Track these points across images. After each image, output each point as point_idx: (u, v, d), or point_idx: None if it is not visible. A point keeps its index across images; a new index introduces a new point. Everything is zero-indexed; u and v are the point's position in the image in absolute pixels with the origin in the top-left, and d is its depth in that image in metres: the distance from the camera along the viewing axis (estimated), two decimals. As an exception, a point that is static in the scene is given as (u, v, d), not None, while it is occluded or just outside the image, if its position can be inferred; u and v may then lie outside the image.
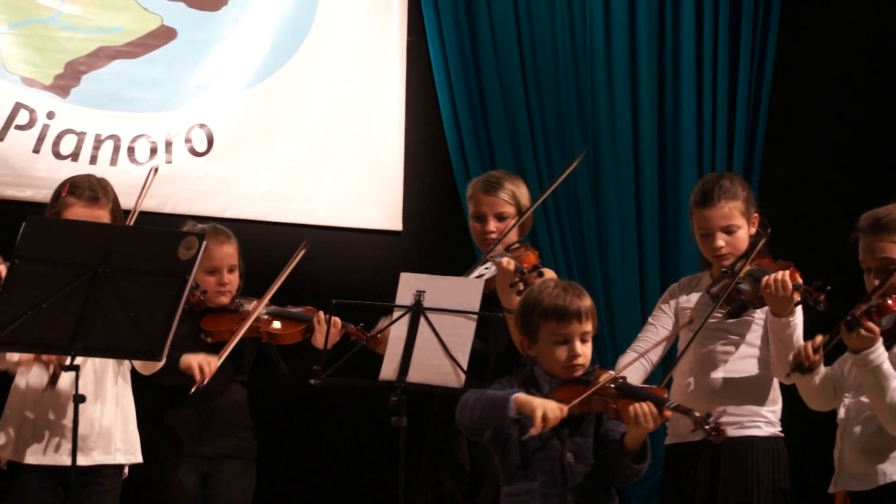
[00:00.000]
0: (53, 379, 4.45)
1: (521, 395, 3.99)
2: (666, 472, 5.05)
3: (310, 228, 6.64)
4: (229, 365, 5.18)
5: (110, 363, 4.80)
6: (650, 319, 5.13)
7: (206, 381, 5.01)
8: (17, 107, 6.28)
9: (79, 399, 4.21)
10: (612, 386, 4.08)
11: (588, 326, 4.14)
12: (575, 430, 4.09)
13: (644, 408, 3.99)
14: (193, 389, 5.00)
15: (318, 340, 5.21)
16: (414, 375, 4.64)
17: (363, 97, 6.94)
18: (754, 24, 7.39)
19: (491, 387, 4.15)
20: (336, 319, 5.05)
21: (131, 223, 4.83)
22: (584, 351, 4.13)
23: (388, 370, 4.67)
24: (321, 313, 5.23)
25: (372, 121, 6.94)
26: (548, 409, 3.94)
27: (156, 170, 4.91)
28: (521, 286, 4.81)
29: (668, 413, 4.02)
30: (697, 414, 4.04)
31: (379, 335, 5.03)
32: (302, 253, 5.23)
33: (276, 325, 5.28)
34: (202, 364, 5.01)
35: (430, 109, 7.04)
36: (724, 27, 7.36)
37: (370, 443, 6.27)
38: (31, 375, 4.72)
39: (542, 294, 4.17)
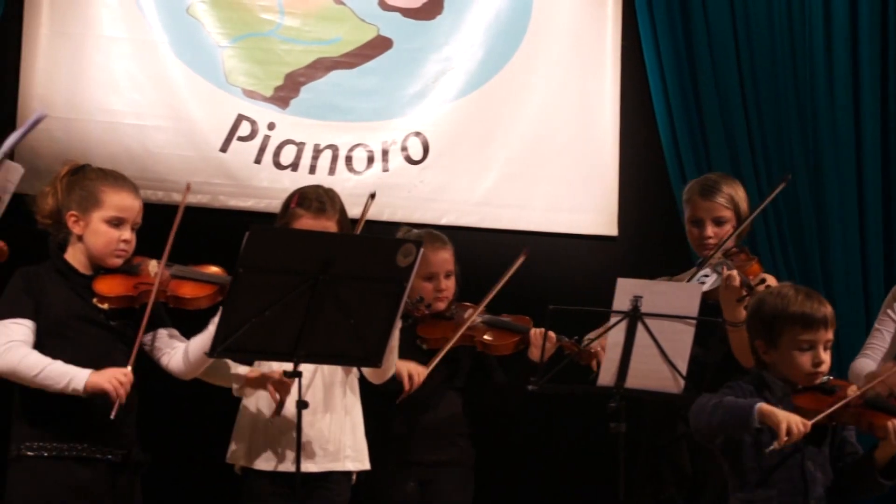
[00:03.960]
0: (278, 409, 4.53)
1: (765, 406, 3.94)
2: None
3: (525, 235, 6.64)
4: (443, 371, 5.21)
5: (339, 373, 4.87)
6: (876, 324, 5.00)
7: (412, 390, 5.04)
8: (240, 118, 6.44)
9: (301, 405, 4.27)
10: (861, 398, 4.00)
11: (831, 334, 4.11)
12: (813, 439, 4.01)
13: None
14: (400, 399, 5.03)
15: (534, 354, 5.17)
16: (632, 381, 4.63)
17: (577, 102, 6.91)
18: (981, 17, 7.14)
19: (720, 391, 4.11)
20: (551, 334, 4.99)
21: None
22: (826, 358, 4.09)
23: (606, 376, 4.65)
24: (537, 330, 5.20)
25: (586, 126, 6.91)
26: (792, 422, 3.89)
27: (373, 196, 4.93)
28: (749, 300, 4.75)
29: None
30: None
31: (591, 349, 5.02)
32: (521, 261, 5.23)
33: (490, 335, 5.25)
34: (411, 373, 5.04)
35: (645, 113, 6.97)
36: (950, 22, 7.13)
37: (588, 449, 6.23)
38: (259, 401, 4.80)
39: (786, 300, 4.14)
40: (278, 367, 4.60)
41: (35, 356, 4.30)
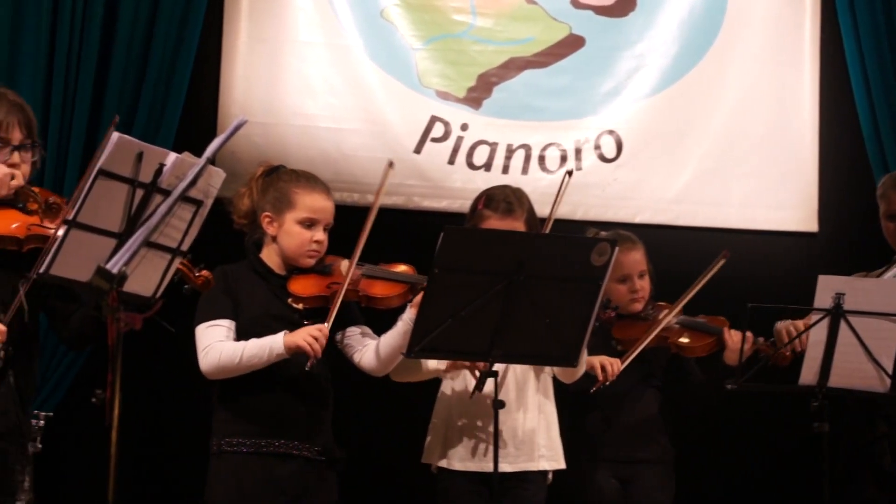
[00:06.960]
0: (479, 384, 4.47)
1: None
2: None
3: (722, 232, 6.57)
4: (640, 370, 5.16)
5: (531, 372, 4.87)
6: None
7: (608, 382, 4.99)
8: (433, 120, 6.50)
9: (499, 405, 4.27)
10: None
11: None
12: None
13: None
14: (594, 389, 4.99)
15: (729, 357, 5.08)
16: (835, 380, 4.56)
17: (774, 96, 6.79)
18: None
19: None
20: (749, 335, 4.92)
21: (547, 229, 4.88)
22: None
23: (809, 374, 4.59)
24: (733, 332, 5.10)
25: (784, 120, 6.79)
26: None
27: (570, 173, 4.94)
28: None
29: None
30: None
31: (788, 353, 4.92)
32: (720, 264, 5.14)
33: (685, 338, 5.18)
34: (604, 364, 4.99)
35: (846, 107, 6.80)
36: None
37: (790, 448, 6.13)
38: (456, 382, 4.85)
39: None
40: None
41: (229, 346, 4.39)
